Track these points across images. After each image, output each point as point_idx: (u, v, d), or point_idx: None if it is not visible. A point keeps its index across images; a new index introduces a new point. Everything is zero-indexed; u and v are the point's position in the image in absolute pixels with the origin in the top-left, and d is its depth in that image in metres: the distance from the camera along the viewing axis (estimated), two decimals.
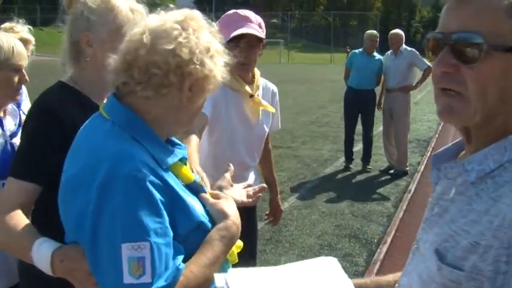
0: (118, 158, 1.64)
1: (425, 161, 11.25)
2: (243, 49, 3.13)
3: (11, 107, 3.04)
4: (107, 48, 2.10)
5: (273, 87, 3.67)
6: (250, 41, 3.23)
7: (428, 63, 9.68)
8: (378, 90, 10.45)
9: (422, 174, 10.18)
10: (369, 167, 10.43)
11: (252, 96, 3.37)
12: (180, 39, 1.74)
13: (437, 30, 1.32)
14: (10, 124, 2.98)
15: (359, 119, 10.56)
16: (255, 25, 3.28)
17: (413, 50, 10.02)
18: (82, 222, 1.64)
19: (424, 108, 20.55)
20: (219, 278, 1.64)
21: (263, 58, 3.16)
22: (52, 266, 1.82)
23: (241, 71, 3.28)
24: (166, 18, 1.79)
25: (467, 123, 1.29)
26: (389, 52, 10.20)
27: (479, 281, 1.16)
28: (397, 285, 1.49)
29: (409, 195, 8.67)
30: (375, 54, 10.31)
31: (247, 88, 3.36)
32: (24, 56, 2.82)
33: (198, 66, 1.75)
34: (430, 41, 1.33)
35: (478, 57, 1.20)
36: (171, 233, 1.66)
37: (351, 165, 10.55)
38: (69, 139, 1.87)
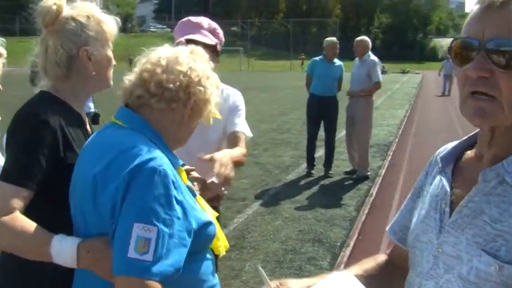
0: (145, 154, 1.91)
1: (386, 165, 11.43)
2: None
3: None
4: (102, 59, 2.38)
5: (230, 92, 3.64)
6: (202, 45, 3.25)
7: (380, 78, 9.90)
8: (342, 95, 10.57)
9: (383, 178, 10.35)
10: (331, 173, 10.51)
11: None
12: (191, 64, 2.13)
13: (465, 35, 1.36)
14: None
15: (321, 125, 10.66)
16: (206, 32, 3.36)
17: (375, 59, 10.16)
18: (108, 207, 1.89)
19: (384, 113, 20.87)
20: None
21: (223, 66, 3.19)
22: (78, 257, 2.00)
23: None
24: (177, 50, 2.18)
25: (498, 124, 1.35)
26: (357, 59, 10.34)
27: None
28: None
29: (371, 199, 8.83)
30: (335, 60, 10.40)
31: None
32: None
33: (201, 89, 2.13)
34: (459, 45, 1.37)
35: None
36: (177, 227, 1.88)
37: (312, 171, 10.62)
38: (59, 146, 2.08)
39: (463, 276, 1.34)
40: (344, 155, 11.34)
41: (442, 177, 1.51)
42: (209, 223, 2.08)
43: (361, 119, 10.28)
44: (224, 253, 2.28)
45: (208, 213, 2.16)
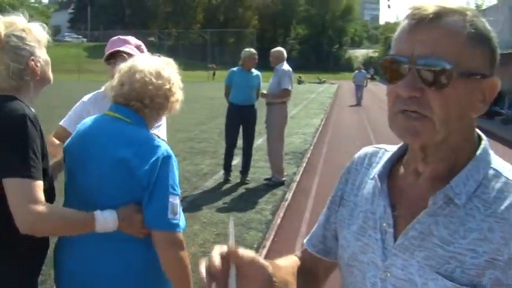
0: (161, 145, 2.64)
1: (301, 171, 11.80)
2: (116, 66, 3.46)
3: None
4: (44, 63, 2.70)
5: None
6: (124, 58, 3.49)
7: (288, 86, 10.24)
8: (261, 104, 10.89)
9: (298, 183, 10.70)
10: (248, 179, 10.74)
11: None
12: (171, 76, 2.79)
13: (394, 52, 1.33)
14: None
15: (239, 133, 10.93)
16: (132, 46, 3.70)
17: (285, 69, 10.44)
18: (143, 184, 2.54)
19: (299, 122, 21.38)
20: None
21: None
22: (118, 224, 2.53)
23: None
24: (158, 63, 2.80)
25: (429, 142, 1.32)
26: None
27: None
28: None
29: (286, 203, 9.16)
30: (253, 70, 10.67)
31: None
32: None
33: (177, 95, 2.82)
34: (389, 62, 1.33)
35: (446, 82, 1.24)
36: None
37: (229, 178, 10.83)
38: (42, 140, 2.50)
39: None
40: (260, 162, 11.62)
41: (379, 195, 1.47)
42: None
43: (274, 127, 10.61)
44: None
45: None
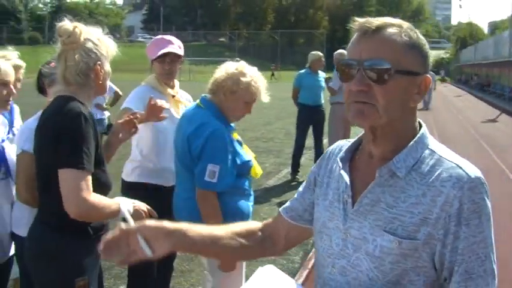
0: (212, 124, 3.57)
1: None
2: (167, 63, 4.33)
3: (2, 118, 3.69)
4: (107, 72, 3.00)
5: (188, 97, 4.71)
6: (172, 57, 4.31)
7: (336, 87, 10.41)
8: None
9: None
10: None
11: (174, 96, 4.44)
12: (248, 79, 3.67)
13: (347, 57, 1.67)
14: (1, 132, 3.62)
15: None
16: (175, 46, 4.37)
17: None
18: (199, 154, 3.57)
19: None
20: None
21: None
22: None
23: (166, 79, 4.42)
24: (237, 66, 3.71)
25: (375, 124, 1.65)
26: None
27: (432, 244, 1.58)
28: (330, 269, 1.77)
29: None
30: (320, 72, 11.01)
31: (170, 91, 4.43)
32: (9, 73, 3.45)
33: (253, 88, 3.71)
34: (343, 65, 1.67)
35: (387, 79, 1.58)
36: (229, 164, 3.58)
37: (298, 176, 11.05)
38: (96, 136, 2.81)
39: (370, 252, 1.65)
40: None
41: (343, 174, 1.79)
42: (248, 160, 3.74)
43: (338, 127, 10.81)
44: (258, 176, 3.98)
45: (248, 154, 3.78)
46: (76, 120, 2.73)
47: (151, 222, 1.78)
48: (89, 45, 2.89)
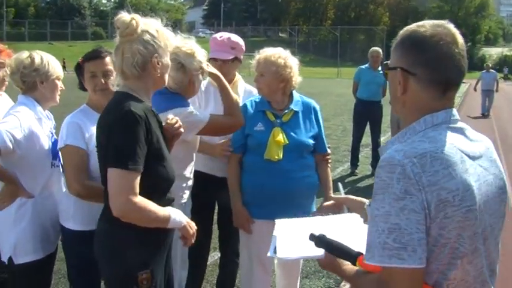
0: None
1: None
2: (217, 65, 4.37)
3: (47, 112, 3.74)
4: (165, 65, 2.96)
5: (254, 91, 4.69)
6: (221, 60, 4.51)
7: None
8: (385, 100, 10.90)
9: None
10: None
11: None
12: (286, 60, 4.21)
13: None
14: (48, 126, 3.68)
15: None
16: (226, 48, 4.55)
17: None
18: None
19: None
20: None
21: None
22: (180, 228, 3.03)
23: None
24: (279, 52, 4.24)
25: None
26: None
27: None
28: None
29: None
30: (379, 68, 10.96)
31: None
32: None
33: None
34: None
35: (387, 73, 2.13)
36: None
37: (356, 171, 11.25)
38: (147, 136, 2.74)
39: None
40: None
41: None
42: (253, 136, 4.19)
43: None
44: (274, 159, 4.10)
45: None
46: (124, 120, 2.71)
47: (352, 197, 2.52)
48: (147, 37, 2.86)
